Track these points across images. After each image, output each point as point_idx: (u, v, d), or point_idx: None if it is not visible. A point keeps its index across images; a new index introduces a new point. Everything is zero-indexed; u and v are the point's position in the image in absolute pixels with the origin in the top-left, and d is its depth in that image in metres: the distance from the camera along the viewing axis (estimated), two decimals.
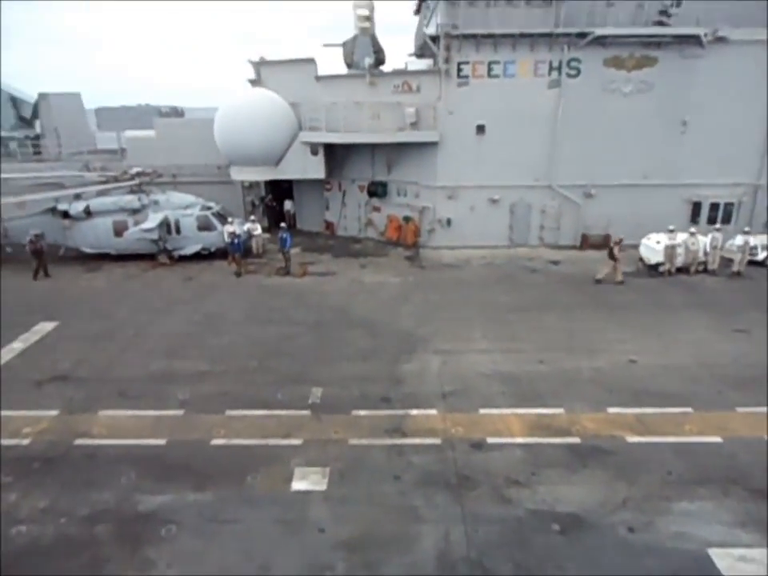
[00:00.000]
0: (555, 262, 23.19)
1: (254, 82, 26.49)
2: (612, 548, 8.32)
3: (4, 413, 12.38)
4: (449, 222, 24.81)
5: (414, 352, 15.04)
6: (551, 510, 9.09)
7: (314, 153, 24.84)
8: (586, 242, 24.60)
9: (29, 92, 33.53)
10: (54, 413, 12.37)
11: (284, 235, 21.65)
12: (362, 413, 12.09)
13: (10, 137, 32.47)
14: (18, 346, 15.82)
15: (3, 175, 22.68)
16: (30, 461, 10.76)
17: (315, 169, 25.10)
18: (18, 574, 8.15)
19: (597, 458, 10.43)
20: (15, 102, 33.60)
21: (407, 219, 25.52)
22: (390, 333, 16.31)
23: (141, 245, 22.95)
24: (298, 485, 9.87)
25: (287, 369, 14.23)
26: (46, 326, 17.10)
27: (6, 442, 11.36)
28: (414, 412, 12.11)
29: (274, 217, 27.56)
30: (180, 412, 12.32)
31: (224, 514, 9.19)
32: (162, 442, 11.25)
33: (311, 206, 28.03)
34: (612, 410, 12.07)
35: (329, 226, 27.88)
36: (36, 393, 13.28)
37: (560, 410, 12.08)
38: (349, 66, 26.30)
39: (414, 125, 23.57)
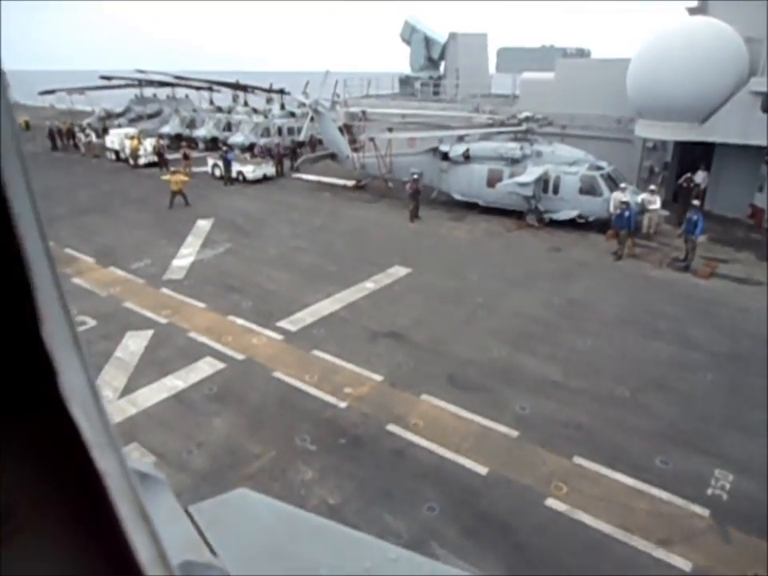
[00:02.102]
0: None
1: (695, 10, 20.25)
2: None
3: (336, 360, 11.35)
4: None
5: None
6: None
7: (767, 109, 17.63)
8: None
9: (441, 32, 34.08)
10: (378, 378, 10.72)
11: (694, 217, 15.86)
12: None
13: (416, 77, 33.75)
14: (369, 285, 15.09)
15: (399, 110, 22.75)
16: (338, 432, 9.20)
17: (761, 131, 17.90)
18: None
19: None
20: (428, 42, 34.65)
21: None
22: None
23: (511, 200, 20.35)
24: None
25: (675, 417, 9.54)
26: (400, 271, 16.07)
27: (326, 397, 10.14)
28: None
29: (680, 191, 21.33)
30: (514, 432, 9.14)
31: None
32: (482, 470, 8.30)
33: (734, 183, 20.70)
34: None
35: (756, 213, 20.23)
36: (369, 347, 11.95)
37: None
38: None
39: None
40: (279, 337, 12.39)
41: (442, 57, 34.12)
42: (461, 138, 22.17)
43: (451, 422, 9.43)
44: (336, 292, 14.58)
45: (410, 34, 35.55)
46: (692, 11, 20.47)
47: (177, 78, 36.46)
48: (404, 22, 35.51)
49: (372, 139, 23.86)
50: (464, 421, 9.44)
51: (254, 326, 12.86)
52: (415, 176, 21.23)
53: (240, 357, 11.55)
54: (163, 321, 13.14)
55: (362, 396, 10.15)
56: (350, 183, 26.24)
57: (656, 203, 18.21)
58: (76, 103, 45.56)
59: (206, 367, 11.17)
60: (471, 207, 21.88)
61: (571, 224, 19.59)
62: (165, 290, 14.91)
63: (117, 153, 32.32)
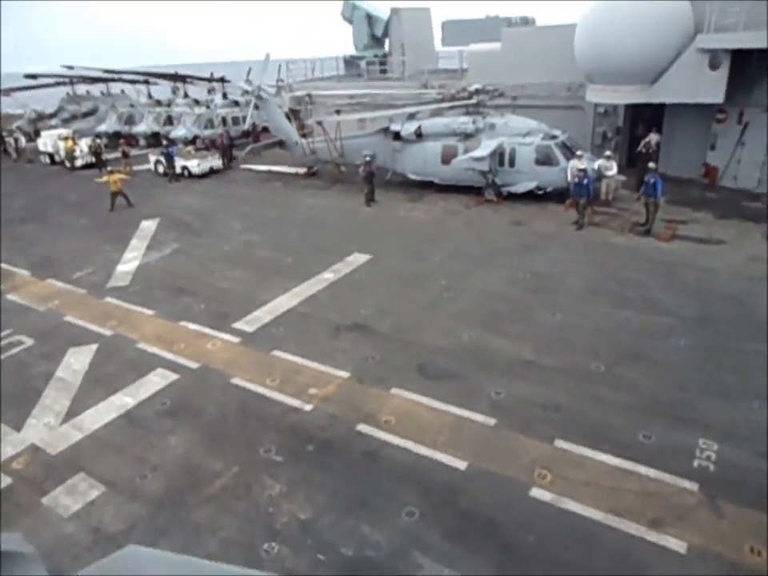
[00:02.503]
0: None
1: None
2: None
3: (299, 360, 10.66)
4: None
5: None
6: None
7: (715, 66, 17.50)
8: None
9: (383, 9, 33.04)
10: (344, 374, 10.09)
11: (652, 180, 15.65)
12: None
13: (361, 56, 32.73)
14: (328, 276, 14.38)
15: (346, 91, 21.89)
16: (305, 438, 8.56)
17: (711, 89, 17.77)
18: None
19: None
20: (370, 20, 33.61)
21: None
22: None
23: (468, 176, 19.82)
24: None
25: (653, 388, 9.24)
26: (359, 258, 15.39)
27: (290, 401, 9.47)
28: None
29: (639, 156, 21.16)
30: (490, 420, 8.68)
31: None
32: (461, 465, 7.81)
33: (687, 143, 20.63)
34: None
35: (709, 172, 20.26)
36: (333, 342, 11.30)
37: None
38: None
39: None
40: (236, 339, 11.61)
41: (385, 34, 33.13)
42: (412, 116, 21.46)
43: (425, 415, 8.91)
44: (294, 286, 13.84)
45: (351, 12, 34.41)
46: None
47: (107, 71, 34.46)
48: (344, 1, 34.36)
49: (320, 123, 22.92)
50: (438, 413, 8.93)
51: (207, 330, 12.03)
52: (368, 158, 20.48)
53: (194, 365, 10.74)
54: (108, 333, 12.17)
55: (328, 396, 9.52)
56: (302, 171, 25.31)
57: (613, 169, 17.97)
58: (6, 106, 42.82)
59: (157, 380, 10.33)
60: (427, 186, 21.29)
61: (530, 196, 19.22)
62: (109, 299, 13.88)
63: (51, 156, 30.43)
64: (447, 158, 20.20)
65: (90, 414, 9.52)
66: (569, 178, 17.75)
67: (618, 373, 9.73)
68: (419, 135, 20.75)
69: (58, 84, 38.61)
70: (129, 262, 16.17)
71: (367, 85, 27.26)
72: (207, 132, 30.72)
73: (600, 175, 17.95)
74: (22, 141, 33.20)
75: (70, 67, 35.18)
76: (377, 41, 34.06)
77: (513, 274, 13.86)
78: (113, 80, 37.66)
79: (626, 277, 13.38)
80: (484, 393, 9.35)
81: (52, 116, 37.27)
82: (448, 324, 11.67)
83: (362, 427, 8.69)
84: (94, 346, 11.63)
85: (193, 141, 29.73)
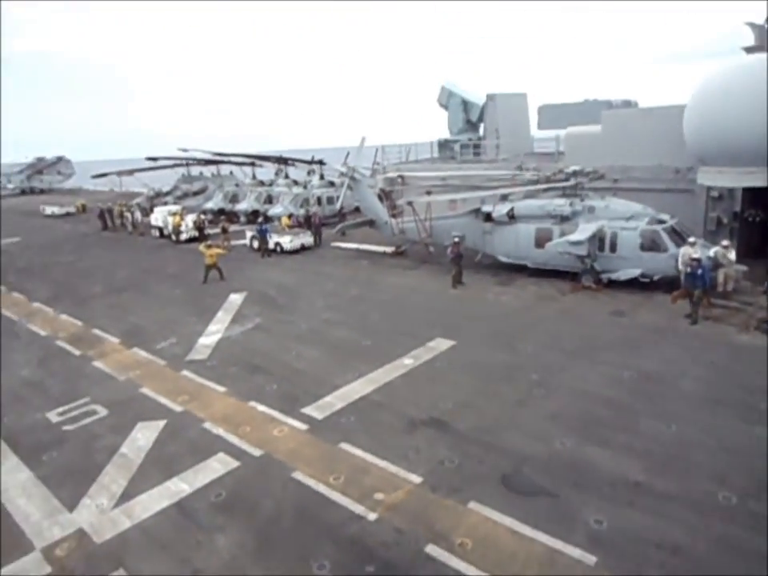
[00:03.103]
0: None
1: (752, 49, 18.73)
2: None
3: (367, 456, 9.63)
4: None
5: None
6: None
7: None
8: None
9: (478, 95, 33.62)
10: (416, 479, 8.90)
11: None
12: None
13: (455, 140, 33.14)
14: (408, 362, 13.43)
15: (439, 173, 21.80)
16: (365, 555, 7.38)
17: None
18: None
19: None
20: (465, 105, 34.27)
21: None
22: None
23: (563, 260, 18.58)
24: None
25: None
26: (442, 344, 14.39)
27: (353, 506, 8.38)
28: None
29: (754, 241, 19.05)
30: (589, 558, 7.08)
31: None
32: None
33: None
34: None
35: None
36: (406, 438, 10.19)
37: None
38: None
39: None
40: (303, 426, 10.81)
41: (480, 119, 33.55)
42: (504, 197, 20.82)
43: (508, 541, 7.46)
44: (370, 371, 13.00)
45: (447, 98, 35.35)
46: (749, 50, 18.93)
47: (216, 154, 37.26)
48: (441, 88, 35.46)
49: (410, 203, 22.85)
50: (524, 540, 7.45)
51: (276, 414, 11.36)
52: (456, 239, 19.88)
53: (257, 452, 10.00)
54: (178, 409, 11.83)
55: (395, 504, 8.33)
56: (390, 250, 25.15)
57: (731, 257, 16.05)
58: (134, 185, 47.47)
59: (217, 466, 9.65)
60: (519, 270, 20.20)
61: (634, 284, 17.55)
62: (185, 373, 13.72)
63: (160, 230, 32.67)
64: (541, 240, 19.16)
65: (143, 499, 8.93)
66: (679, 266, 16.04)
67: (754, 509, 7.80)
68: (512, 217, 19.98)
69: (175, 165, 42.29)
70: (211, 335, 16.18)
71: (460, 167, 27.23)
72: (302, 210, 31.83)
73: (717, 264, 16.09)
74: (138, 216, 36.16)
75: (185, 150, 38.45)
76: (471, 125, 34.53)
77: (615, 373, 12.20)
78: (222, 162, 40.64)
79: (755, 384, 11.31)
80: (581, 519, 7.77)
81: (167, 194, 40.56)
82: (539, 427, 10.22)
83: (432, 549, 7.39)
84: (162, 423, 11.27)
85: (288, 218, 30.83)
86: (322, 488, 8.85)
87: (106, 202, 40.72)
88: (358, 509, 8.30)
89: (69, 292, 21.87)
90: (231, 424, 11.05)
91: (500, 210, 20.23)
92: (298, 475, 9.23)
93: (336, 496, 8.63)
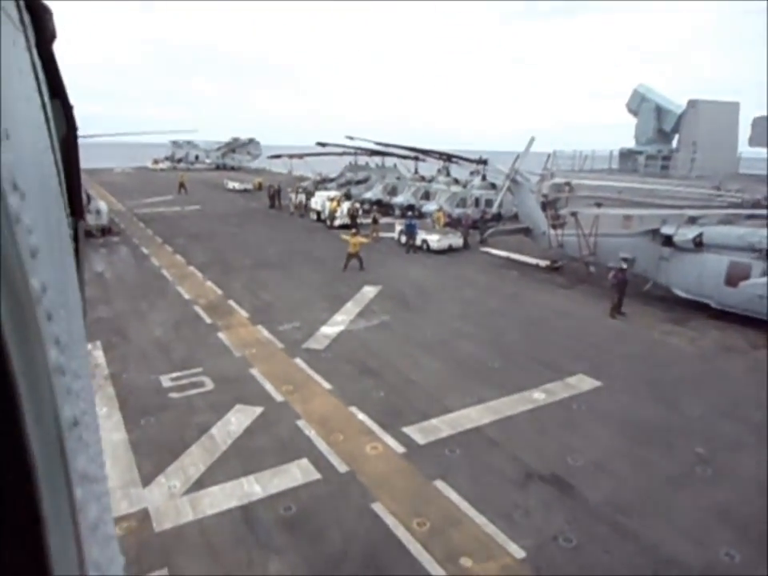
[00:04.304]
0: None
1: None
2: None
3: (463, 505, 7.97)
4: None
5: None
6: None
7: None
8: None
9: (677, 102, 29.17)
10: (517, 553, 7.05)
11: None
12: None
13: (640, 150, 29.16)
14: (538, 396, 11.38)
15: (614, 183, 18.93)
16: None
17: None
18: None
19: None
20: (659, 112, 29.97)
21: None
22: None
23: (761, 306, 14.88)
24: None
25: None
26: (584, 382, 12.05)
27: (432, 567, 6.81)
28: None
29: None
30: None
31: None
32: None
33: None
34: None
35: None
36: (516, 492, 8.32)
37: None
38: None
39: None
40: (400, 449, 9.43)
41: (675, 129, 29.13)
42: (692, 220, 17.37)
43: None
44: (491, 398, 11.20)
45: (638, 103, 31.29)
46: None
47: (378, 144, 37.17)
48: (633, 91, 31.49)
49: (575, 214, 20.22)
50: None
51: (375, 427, 10.12)
52: (624, 262, 17.00)
53: (342, 468, 8.85)
54: (279, 398, 11.14)
55: None
56: (543, 263, 22.69)
57: None
58: (299, 169, 49.88)
59: (296, 474, 8.67)
60: (698, 308, 16.71)
61: None
62: (298, 360, 13.09)
63: (318, 213, 33.43)
64: (734, 278, 15.58)
65: (214, 492, 8.22)
66: None
67: None
68: (698, 244, 16.56)
69: (344, 153, 43.27)
70: (334, 325, 15.49)
71: (642, 180, 23.71)
72: (458, 210, 30.40)
73: None
74: (302, 198, 37.52)
75: (351, 138, 38.98)
76: (663, 135, 30.17)
77: None
78: (385, 153, 40.62)
79: None
80: None
81: (332, 180, 41.66)
82: (697, 522, 7.69)
83: None
84: (259, 410, 10.64)
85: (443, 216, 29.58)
86: (401, 532, 7.40)
87: (278, 183, 43.05)
88: (438, 572, 6.72)
89: (221, 261, 22.88)
90: (325, 428, 10.04)
91: (684, 233, 16.88)
92: (378, 507, 7.88)
93: (415, 548, 7.11)
